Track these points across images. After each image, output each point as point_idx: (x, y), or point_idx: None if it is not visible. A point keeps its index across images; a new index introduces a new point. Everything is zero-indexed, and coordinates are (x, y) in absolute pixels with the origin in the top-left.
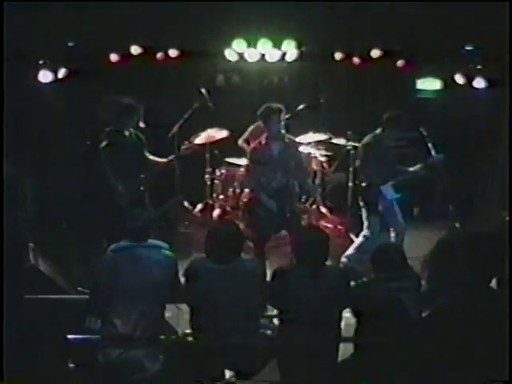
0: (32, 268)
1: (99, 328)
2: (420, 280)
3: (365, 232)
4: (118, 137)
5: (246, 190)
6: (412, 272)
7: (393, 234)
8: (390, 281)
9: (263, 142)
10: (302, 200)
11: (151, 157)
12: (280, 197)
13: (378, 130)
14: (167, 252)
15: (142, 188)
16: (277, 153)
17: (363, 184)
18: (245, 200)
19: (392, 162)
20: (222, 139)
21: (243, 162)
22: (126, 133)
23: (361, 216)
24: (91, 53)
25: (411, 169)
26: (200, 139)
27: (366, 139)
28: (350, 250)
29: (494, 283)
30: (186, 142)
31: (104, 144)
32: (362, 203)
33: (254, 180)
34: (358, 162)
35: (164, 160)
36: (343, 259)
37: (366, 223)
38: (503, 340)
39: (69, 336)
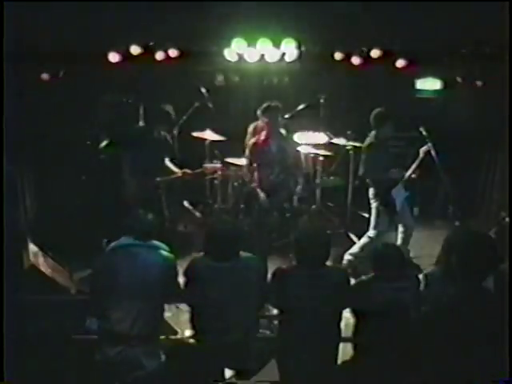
0: (32, 268)
1: (98, 327)
2: (419, 279)
3: (371, 232)
4: (147, 136)
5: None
6: (412, 271)
7: (400, 232)
8: (389, 281)
9: (262, 138)
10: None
11: (170, 165)
12: (278, 194)
13: (375, 130)
14: (166, 253)
15: (159, 190)
16: (275, 150)
17: (372, 186)
18: (244, 199)
19: (394, 161)
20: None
21: (243, 162)
22: (155, 134)
23: (362, 216)
24: (91, 53)
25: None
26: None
27: (370, 140)
28: (355, 249)
29: (492, 283)
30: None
31: (129, 140)
32: (374, 204)
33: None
34: (365, 163)
35: (179, 172)
36: (347, 256)
37: (373, 223)
38: (503, 340)
39: (68, 336)
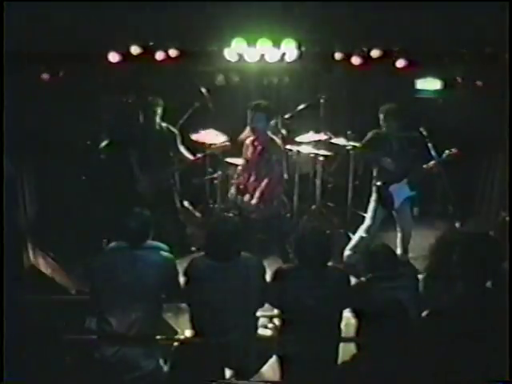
0: (32, 268)
1: (96, 327)
2: (418, 279)
3: (364, 227)
4: (147, 130)
5: None
6: (409, 271)
7: (399, 234)
8: (386, 280)
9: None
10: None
11: (183, 150)
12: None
13: (381, 125)
14: (166, 254)
15: (171, 181)
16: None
17: (378, 183)
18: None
19: (406, 160)
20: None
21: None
22: (157, 126)
23: (362, 216)
24: (91, 53)
25: (424, 166)
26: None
27: (371, 135)
28: (351, 244)
29: (492, 283)
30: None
31: (132, 136)
32: (373, 201)
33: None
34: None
35: (191, 157)
36: (346, 252)
37: (367, 218)
38: (503, 340)
39: (68, 336)
